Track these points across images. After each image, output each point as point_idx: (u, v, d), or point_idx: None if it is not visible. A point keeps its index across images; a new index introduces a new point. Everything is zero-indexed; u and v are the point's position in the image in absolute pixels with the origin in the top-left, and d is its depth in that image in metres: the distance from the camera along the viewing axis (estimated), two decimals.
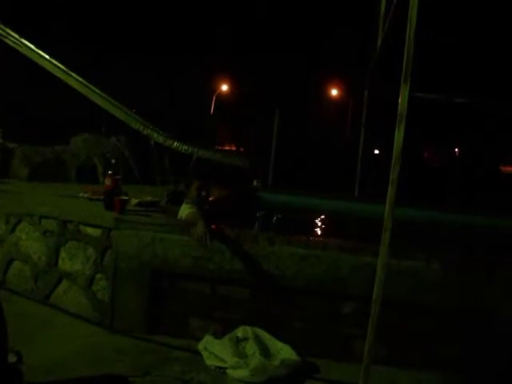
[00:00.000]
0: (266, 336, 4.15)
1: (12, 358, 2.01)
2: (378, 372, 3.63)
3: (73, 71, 7.97)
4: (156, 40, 21.69)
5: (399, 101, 3.10)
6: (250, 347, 3.99)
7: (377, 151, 24.33)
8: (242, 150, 24.78)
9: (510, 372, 3.88)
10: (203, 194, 4.86)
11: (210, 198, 5.62)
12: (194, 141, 8.59)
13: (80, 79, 7.96)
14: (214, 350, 4.06)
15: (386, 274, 3.11)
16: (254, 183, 9.22)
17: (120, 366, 3.82)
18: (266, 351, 3.99)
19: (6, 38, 7.93)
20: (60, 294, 4.98)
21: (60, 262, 5.00)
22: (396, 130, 3.07)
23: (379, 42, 7.98)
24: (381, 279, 3.09)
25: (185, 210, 4.64)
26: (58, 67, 7.95)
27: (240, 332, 4.17)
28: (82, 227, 4.88)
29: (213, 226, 4.40)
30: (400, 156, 3.08)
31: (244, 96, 31.32)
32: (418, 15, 3.02)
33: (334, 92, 33.39)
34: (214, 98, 31.74)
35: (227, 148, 25.52)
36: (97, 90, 7.98)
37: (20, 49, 7.93)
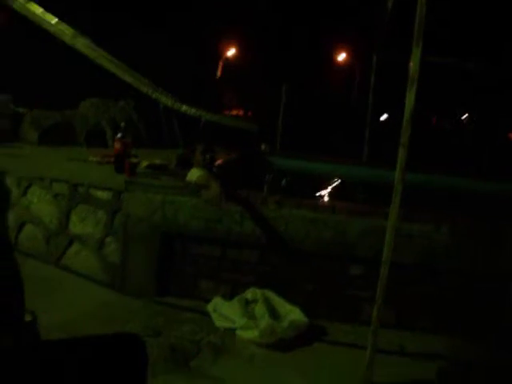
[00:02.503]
0: (275, 298, 4.18)
1: (28, 318, 2.05)
2: (386, 335, 3.67)
3: (82, 34, 7.88)
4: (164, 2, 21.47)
5: (410, 64, 3.08)
6: (259, 309, 4.03)
7: (385, 116, 24.25)
8: (249, 114, 24.66)
9: None
10: (207, 157, 4.89)
11: (218, 161, 5.63)
12: (201, 104, 8.56)
13: (88, 43, 7.88)
14: (224, 311, 4.12)
15: (395, 237, 3.12)
16: (263, 147, 9.21)
17: (131, 327, 3.88)
18: (274, 313, 4.03)
19: (12, 2, 7.84)
20: (71, 256, 5.02)
21: (71, 224, 5.04)
22: (407, 94, 3.06)
23: (389, 4, 7.89)
24: (390, 240, 3.11)
25: (195, 173, 4.66)
26: (65, 32, 7.88)
27: (249, 294, 4.21)
28: (92, 190, 4.90)
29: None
30: (410, 119, 3.07)
31: (252, 60, 31.05)
32: None
33: (342, 56, 33.01)
34: (222, 62, 31.47)
35: (235, 112, 25.36)
36: (105, 54, 7.92)
37: (26, 13, 7.84)
